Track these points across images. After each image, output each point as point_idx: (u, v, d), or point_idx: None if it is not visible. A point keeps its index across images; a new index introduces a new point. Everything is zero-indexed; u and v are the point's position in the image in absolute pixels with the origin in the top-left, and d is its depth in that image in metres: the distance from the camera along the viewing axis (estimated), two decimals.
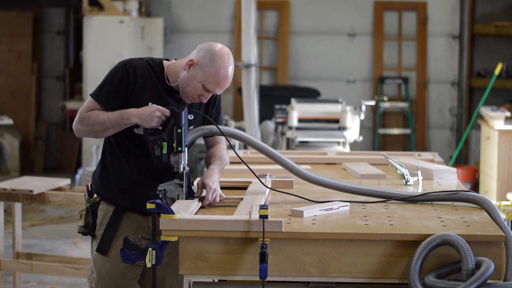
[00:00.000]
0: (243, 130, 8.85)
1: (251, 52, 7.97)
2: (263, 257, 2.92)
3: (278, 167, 3.77)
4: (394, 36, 11.51)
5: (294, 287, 3.11)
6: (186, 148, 3.39)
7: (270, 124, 9.08)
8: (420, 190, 3.88)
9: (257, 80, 8.30)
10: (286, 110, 8.32)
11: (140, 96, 3.48)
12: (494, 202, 7.88)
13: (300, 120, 8.15)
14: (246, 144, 3.59)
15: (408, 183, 3.99)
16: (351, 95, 11.17)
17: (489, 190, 8.37)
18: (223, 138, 3.69)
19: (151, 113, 3.37)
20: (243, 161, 3.68)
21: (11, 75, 11.72)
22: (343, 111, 8.14)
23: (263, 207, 2.98)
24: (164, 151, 3.36)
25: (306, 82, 11.36)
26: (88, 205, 3.67)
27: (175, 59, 3.58)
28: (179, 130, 3.34)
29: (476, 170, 9.63)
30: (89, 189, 3.74)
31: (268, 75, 11.65)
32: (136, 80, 3.48)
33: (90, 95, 3.53)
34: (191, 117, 3.56)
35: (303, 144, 8.02)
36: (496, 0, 11.32)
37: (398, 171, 4.08)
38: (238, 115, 11.02)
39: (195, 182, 3.59)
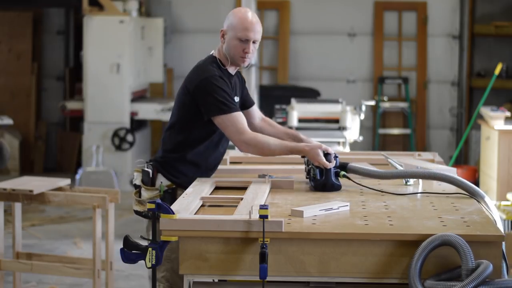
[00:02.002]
0: None
1: None
2: (263, 257, 2.92)
3: (278, 167, 3.76)
4: (394, 36, 11.51)
5: (294, 287, 3.11)
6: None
7: None
8: (420, 190, 3.88)
9: (257, 80, 8.30)
10: (286, 110, 8.32)
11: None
12: (494, 202, 7.88)
13: (300, 120, 8.15)
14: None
15: (408, 183, 3.99)
16: (351, 95, 11.17)
17: (489, 190, 8.37)
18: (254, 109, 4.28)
19: (315, 153, 3.83)
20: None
21: (11, 75, 11.72)
22: (343, 111, 8.14)
23: (263, 207, 2.99)
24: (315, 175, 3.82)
25: (306, 82, 11.36)
26: (163, 192, 3.90)
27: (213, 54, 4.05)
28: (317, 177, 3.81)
29: (476, 170, 9.63)
30: (151, 177, 3.93)
31: (268, 75, 11.65)
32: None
33: (225, 112, 3.83)
34: (237, 99, 4.03)
35: None
36: (496, 0, 11.32)
37: None
38: None
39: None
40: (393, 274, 3.01)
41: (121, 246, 3.13)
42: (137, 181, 3.98)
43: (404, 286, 3.03)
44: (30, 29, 11.74)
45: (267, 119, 4.39)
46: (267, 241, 2.97)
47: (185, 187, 3.76)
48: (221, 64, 3.97)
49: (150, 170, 3.92)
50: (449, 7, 11.40)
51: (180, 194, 3.64)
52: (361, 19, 11.49)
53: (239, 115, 3.87)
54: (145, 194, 3.91)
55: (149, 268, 3.10)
